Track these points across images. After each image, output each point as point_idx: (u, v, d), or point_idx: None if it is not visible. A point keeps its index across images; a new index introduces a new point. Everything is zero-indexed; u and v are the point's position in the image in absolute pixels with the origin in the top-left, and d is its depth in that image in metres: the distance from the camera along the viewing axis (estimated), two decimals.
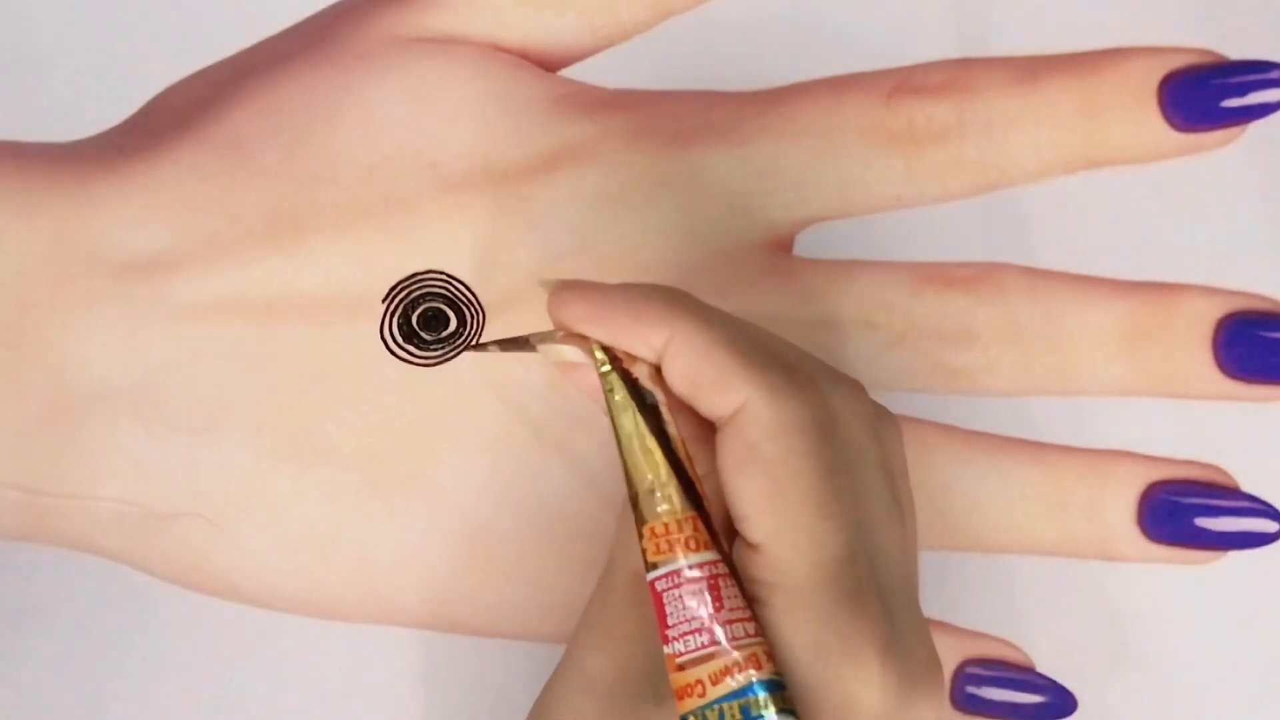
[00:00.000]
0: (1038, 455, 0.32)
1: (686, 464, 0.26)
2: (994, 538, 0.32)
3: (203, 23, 0.44)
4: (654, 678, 0.26)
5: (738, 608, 0.25)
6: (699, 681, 0.25)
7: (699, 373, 0.26)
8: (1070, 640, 0.43)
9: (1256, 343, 0.30)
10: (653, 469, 0.26)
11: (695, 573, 0.25)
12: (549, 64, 0.32)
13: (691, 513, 0.26)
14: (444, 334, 0.30)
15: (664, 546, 0.26)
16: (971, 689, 0.32)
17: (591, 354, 0.27)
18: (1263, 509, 0.31)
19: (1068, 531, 0.32)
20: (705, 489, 0.26)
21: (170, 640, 0.43)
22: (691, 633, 0.25)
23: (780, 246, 0.31)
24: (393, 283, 0.30)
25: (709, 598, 0.25)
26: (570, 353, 0.27)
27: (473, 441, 0.30)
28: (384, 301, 0.30)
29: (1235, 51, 0.29)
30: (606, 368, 0.27)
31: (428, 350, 0.30)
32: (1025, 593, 0.42)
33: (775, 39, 0.46)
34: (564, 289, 0.27)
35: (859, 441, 0.26)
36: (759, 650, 0.25)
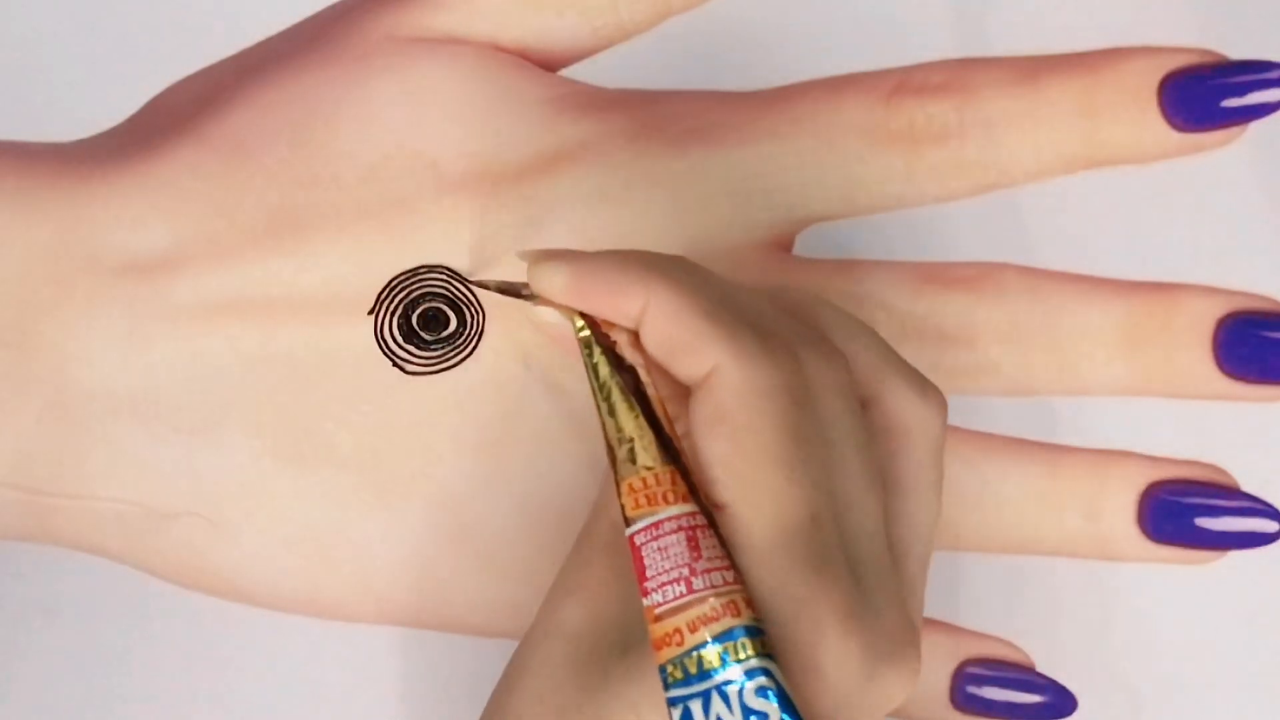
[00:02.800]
0: (1038, 455, 0.32)
1: (664, 421, 0.26)
2: (994, 537, 0.32)
3: (203, 23, 0.44)
4: (625, 631, 0.26)
5: (716, 557, 0.25)
6: (677, 630, 0.25)
7: (673, 337, 0.26)
8: (1070, 640, 0.43)
9: (1256, 343, 0.30)
10: (630, 426, 0.26)
11: (673, 524, 0.25)
12: (549, 64, 0.32)
13: (670, 467, 0.26)
14: (444, 334, 0.30)
15: (642, 501, 0.26)
16: (971, 689, 0.32)
17: (571, 321, 0.27)
18: (1263, 509, 0.31)
19: (1068, 531, 0.32)
20: (683, 445, 0.26)
21: (170, 640, 0.43)
22: (670, 583, 0.25)
23: (780, 246, 0.31)
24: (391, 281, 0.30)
25: (686, 548, 0.25)
26: (553, 316, 0.28)
27: (473, 441, 0.30)
28: (381, 300, 0.30)
29: (1235, 51, 0.29)
30: (585, 333, 0.27)
31: (428, 350, 0.30)
32: (1025, 593, 0.42)
33: (775, 39, 0.46)
34: (542, 259, 0.27)
35: (833, 410, 0.26)
36: (738, 598, 0.25)
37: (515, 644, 0.29)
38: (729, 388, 0.25)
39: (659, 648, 0.25)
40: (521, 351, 0.30)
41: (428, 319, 0.30)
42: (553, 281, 0.27)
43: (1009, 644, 0.33)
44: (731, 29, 0.43)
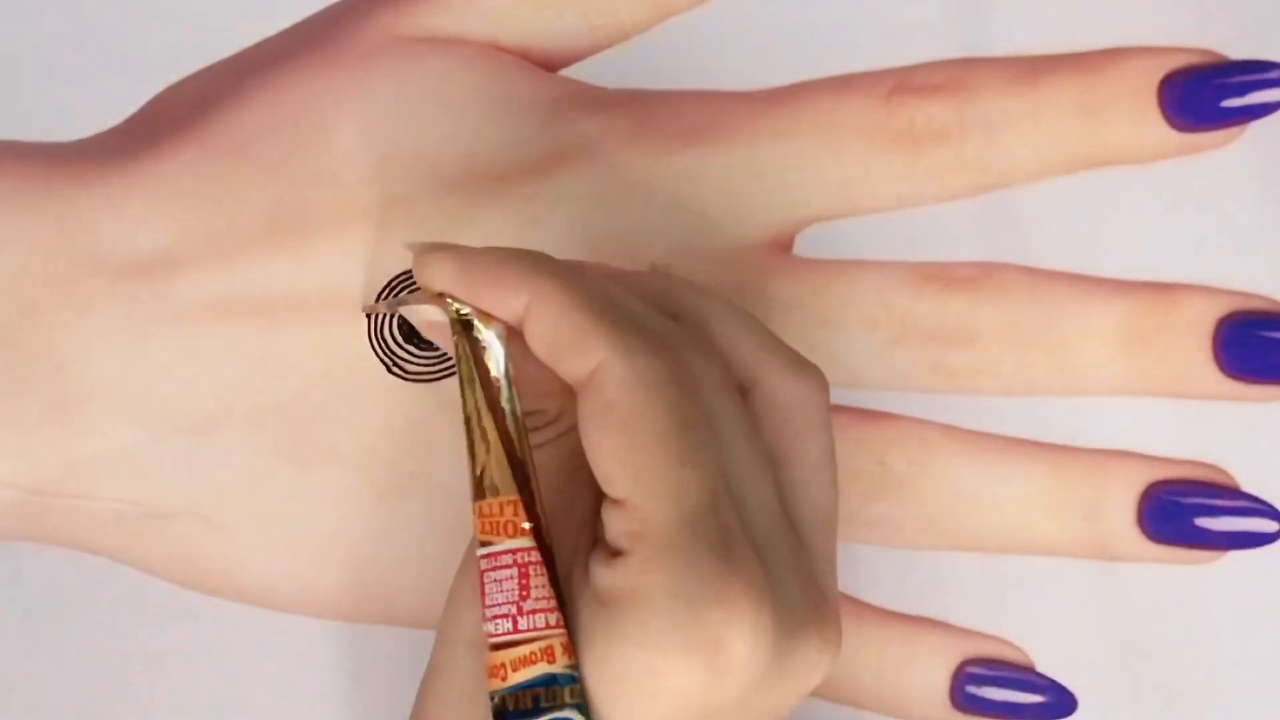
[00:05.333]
0: (1038, 455, 0.32)
1: (519, 442, 0.27)
2: (994, 538, 0.32)
3: (203, 23, 0.44)
4: None
5: (543, 597, 0.26)
6: (502, 665, 0.26)
7: (557, 334, 0.26)
8: (1070, 640, 0.43)
9: (1256, 343, 0.30)
10: (485, 447, 0.27)
11: (508, 558, 0.26)
12: (549, 64, 0.32)
13: (514, 496, 0.26)
14: None
15: (487, 527, 0.26)
16: (971, 689, 0.32)
17: (450, 316, 0.27)
18: (1263, 509, 0.31)
19: (1068, 531, 0.32)
20: (535, 469, 0.27)
21: (170, 640, 0.43)
22: (500, 617, 0.26)
23: (780, 246, 0.31)
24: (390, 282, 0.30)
25: (517, 585, 0.26)
26: (433, 313, 0.28)
27: None
28: (379, 300, 0.30)
29: (1235, 51, 0.29)
30: (459, 338, 0.27)
31: (428, 350, 0.30)
32: (1025, 593, 0.42)
33: (775, 39, 0.46)
34: (429, 251, 0.28)
35: (714, 399, 0.27)
36: (556, 643, 0.26)
37: None
38: (615, 381, 0.25)
39: (489, 676, 0.26)
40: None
41: None
42: (438, 272, 0.27)
43: (1009, 644, 0.33)
44: (731, 29, 0.43)
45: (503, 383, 0.27)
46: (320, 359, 0.30)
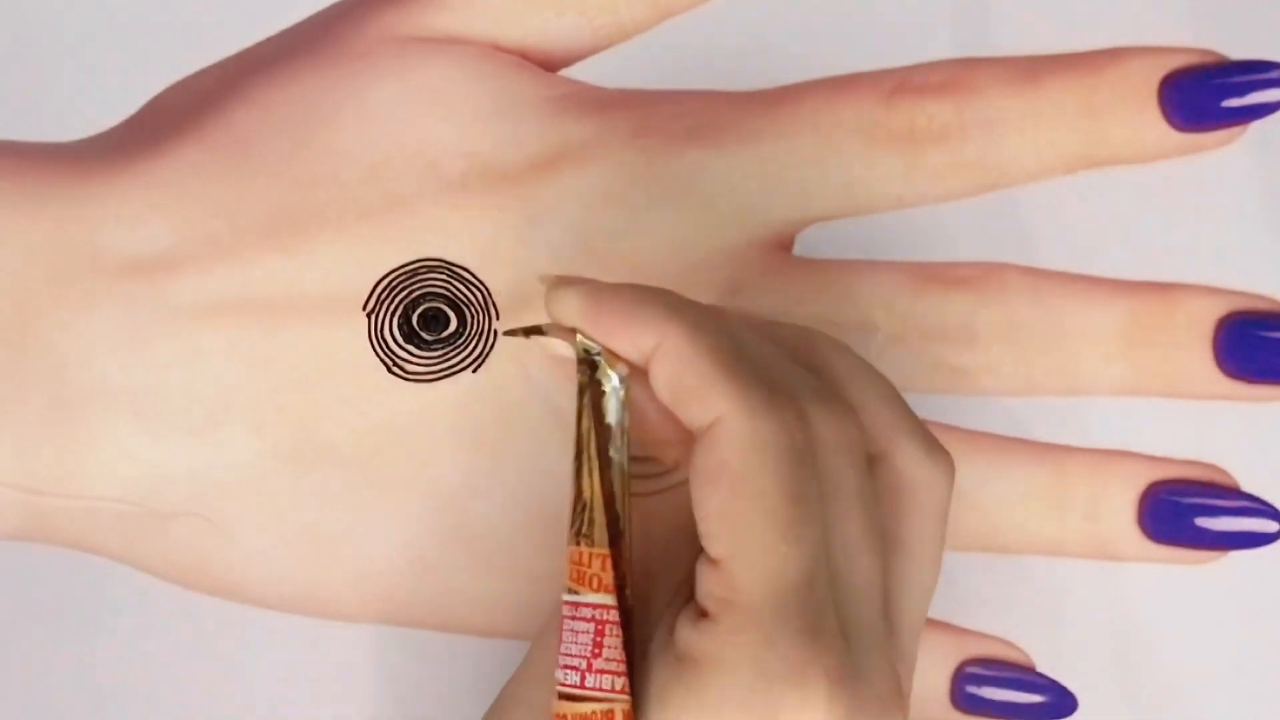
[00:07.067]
0: (1038, 455, 0.32)
1: (620, 494, 0.27)
2: (995, 537, 0.32)
3: (203, 22, 0.44)
4: None
5: (614, 659, 0.26)
6: (563, 716, 0.26)
7: (681, 381, 0.26)
8: (1070, 640, 0.43)
9: (1256, 343, 0.30)
10: (588, 492, 0.26)
11: (588, 611, 0.26)
12: (549, 64, 0.32)
13: (605, 550, 0.26)
14: (444, 334, 0.30)
15: (575, 575, 0.26)
16: (971, 689, 0.32)
17: (576, 353, 0.27)
18: (1263, 509, 0.31)
19: (1068, 531, 0.32)
20: (631, 523, 0.27)
21: (170, 640, 0.43)
22: (571, 668, 0.26)
23: (780, 246, 0.31)
24: (390, 280, 0.30)
25: (591, 640, 0.26)
26: (561, 347, 0.28)
27: (472, 441, 0.30)
28: (380, 298, 0.30)
29: (1235, 51, 0.29)
30: (581, 375, 0.27)
31: (428, 350, 0.30)
32: (1025, 593, 0.42)
33: (775, 39, 0.46)
34: (562, 284, 0.27)
35: (837, 467, 0.26)
36: (618, 709, 0.26)
37: (514, 644, 0.29)
38: (732, 440, 0.25)
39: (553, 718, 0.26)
40: (520, 361, 0.30)
41: (428, 319, 0.30)
42: (568, 307, 0.27)
43: (1009, 644, 0.33)
44: (731, 29, 0.43)
45: (615, 430, 0.27)
46: (320, 359, 0.30)
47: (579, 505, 0.26)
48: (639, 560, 0.27)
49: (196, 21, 0.45)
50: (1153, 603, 0.43)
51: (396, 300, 0.30)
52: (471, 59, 0.31)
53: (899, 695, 0.27)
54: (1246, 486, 0.31)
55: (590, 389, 0.27)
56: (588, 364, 0.27)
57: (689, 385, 0.26)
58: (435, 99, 0.30)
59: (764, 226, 0.31)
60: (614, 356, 0.27)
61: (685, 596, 0.27)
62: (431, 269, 0.30)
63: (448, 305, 0.30)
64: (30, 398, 0.29)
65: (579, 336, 0.27)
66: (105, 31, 0.47)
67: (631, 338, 0.26)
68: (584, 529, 0.26)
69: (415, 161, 0.30)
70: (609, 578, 0.26)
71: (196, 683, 0.43)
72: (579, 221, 0.30)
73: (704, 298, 0.31)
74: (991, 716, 0.32)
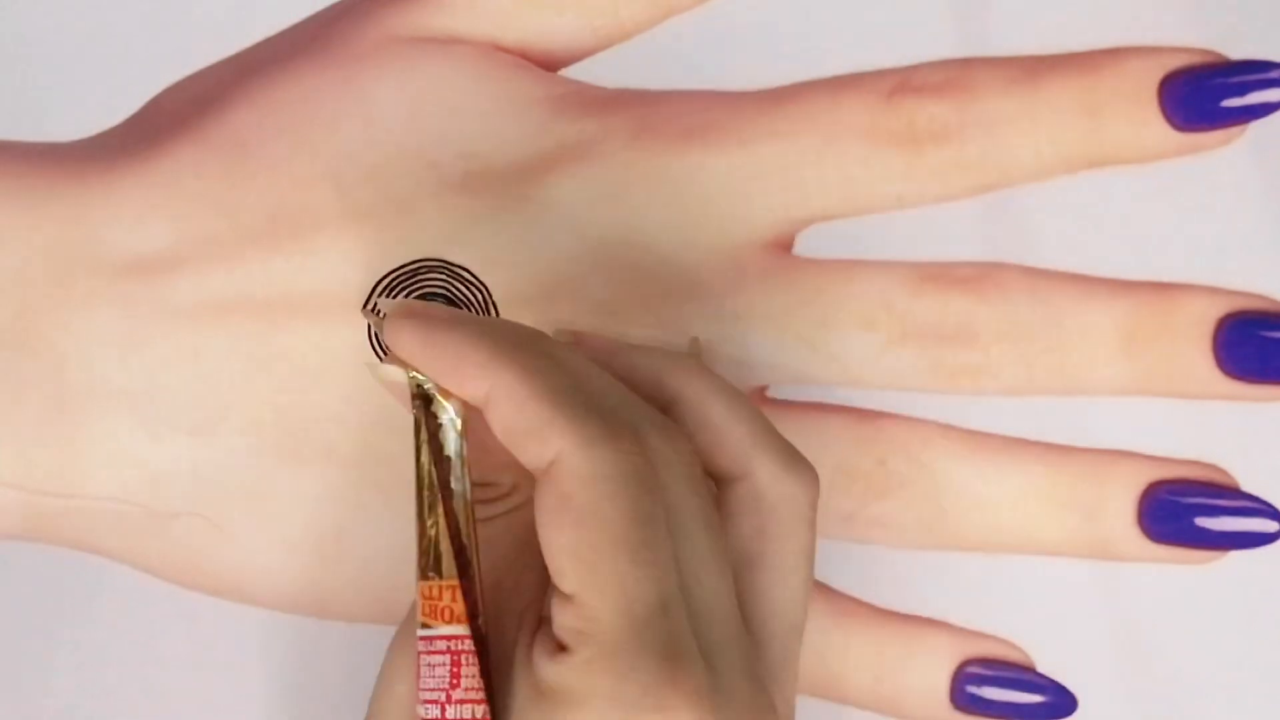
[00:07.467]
0: (1038, 455, 0.32)
1: (464, 525, 0.27)
2: (994, 537, 0.32)
3: (203, 23, 0.44)
4: None
5: (473, 688, 0.26)
6: None
7: (516, 424, 0.26)
8: (1070, 640, 0.43)
9: (1256, 343, 0.30)
10: (435, 525, 0.27)
11: (443, 644, 0.26)
12: (549, 64, 0.32)
13: (455, 581, 0.26)
14: None
15: (427, 609, 0.26)
16: (971, 689, 0.32)
17: (410, 386, 0.27)
18: (1263, 509, 0.31)
19: (1068, 531, 0.32)
20: (478, 553, 0.27)
21: (170, 640, 0.43)
22: (431, 702, 0.26)
23: (780, 246, 0.31)
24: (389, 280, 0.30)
25: (449, 673, 0.26)
26: (395, 373, 0.28)
27: None
28: (379, 295, 0.30)
29: (1235, 51, 0.29)
30: (416, 411, 0.27)
31: None
32: (1025, 593, 0.42)
33: (775, 39, 0.46)
34: (400, 317, 0.28)
35: (678, 493, 0.26)
36: None
37: None
38: (572, 475, 0.25)
39: None
40: None
41: None
42: (402, 341, 0.27)
43: (1009, 644, 0.33)
44: (731, 29, 0.43)
45: (455, 462, 0.27)
46: (320, 359, 0.30)
47: (424, 541, 0.27)
48: (489, 584, 0.28)
49: (196, 22, 0.45)
50: (1153, 603, 0.43)
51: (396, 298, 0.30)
52: (471, 59, 0.31)
53: (770, 709, 0.26)
54: (1246, 486, 0.31)
55: (427, 422, 0.27)
56: (422, 396, 0.27)
57: (523, 427, 0.26)
58: (435, 99, 0.30)
59: (764, 226, 0.31)
60: (447, 393, 0.27)
61: (535, 620, 0.27)
62: (431, 269, 0.30)
63: (448, 305, 0.30)
64: (30, 398, 0.29)
65: (411, 372, 0.27)
66: (105, 31, 0.47)
67: (460, 382, 0.27)
68: (431, 562, 0.26)
69: (415, 162, 0.30)
70: (460, 608, 0.26)
71: (195, 682, 0.43)
72: (579, 221, 0.30)
73: (704, 297, 0.31)
74: (992, 716, 0.32)
